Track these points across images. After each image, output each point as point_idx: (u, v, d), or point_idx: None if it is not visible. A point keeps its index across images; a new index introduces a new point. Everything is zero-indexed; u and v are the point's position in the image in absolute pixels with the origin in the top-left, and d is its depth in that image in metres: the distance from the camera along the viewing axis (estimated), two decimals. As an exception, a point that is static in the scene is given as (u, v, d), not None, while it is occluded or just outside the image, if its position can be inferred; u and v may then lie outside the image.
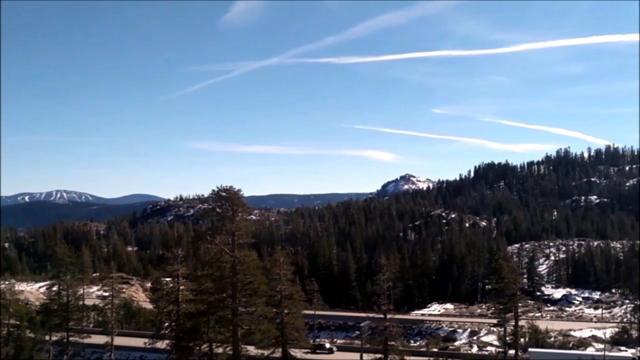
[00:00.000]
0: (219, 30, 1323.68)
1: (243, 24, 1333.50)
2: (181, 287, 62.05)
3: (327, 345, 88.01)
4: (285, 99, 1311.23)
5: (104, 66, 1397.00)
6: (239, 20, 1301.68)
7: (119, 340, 77.57)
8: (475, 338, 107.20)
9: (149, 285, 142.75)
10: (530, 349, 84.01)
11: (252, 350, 60.08)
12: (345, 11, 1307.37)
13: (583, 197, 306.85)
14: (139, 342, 74.36)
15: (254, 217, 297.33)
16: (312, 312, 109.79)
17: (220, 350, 57.90)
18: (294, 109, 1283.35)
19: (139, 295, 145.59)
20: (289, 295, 63.41)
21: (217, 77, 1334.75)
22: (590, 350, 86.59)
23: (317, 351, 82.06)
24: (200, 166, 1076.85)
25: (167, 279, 70.62)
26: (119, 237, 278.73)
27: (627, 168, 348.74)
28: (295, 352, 63.38)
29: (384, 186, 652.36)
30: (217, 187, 56.90)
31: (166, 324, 64.20)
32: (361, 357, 72.86)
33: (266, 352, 60.62)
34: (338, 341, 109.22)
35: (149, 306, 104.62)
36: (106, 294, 75.96)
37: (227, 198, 56.39)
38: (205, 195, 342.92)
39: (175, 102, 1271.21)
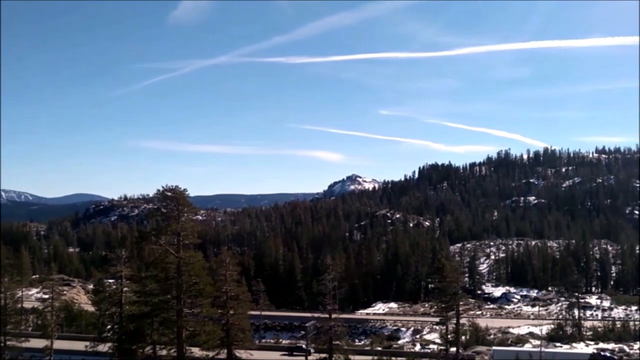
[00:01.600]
0: (166, 28, 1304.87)
1: (191, 22, 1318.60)
2: (124, 289, 61.14)
3: (304, 347, 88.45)
4: (233, 98, 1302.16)
5: (47, 62, 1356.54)
6: (186, 18, 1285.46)
7: (59, 344, 75.93)
8: (418, 336, 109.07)
9: (91, 287, 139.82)
10: (494, 347, 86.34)
11: (196, 351, 59.73)
12: (293, 11, 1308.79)
13: (522, 198, 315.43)
14: (80, 345, 72.80)
15: (200, 218, 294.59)
16: (258, 312, 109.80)
17: (164, 352, 57.22)
18: (242, 109, 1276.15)
19: (80, 297, 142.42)
20: (234, 296, 63.27)
21: (164, 74, 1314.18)
22: (527, 347, 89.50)
23: (295, 353, 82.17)
24: (145, 165, 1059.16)
25: (110, 281, 69.56)
26: (60, 238, 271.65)
27: (563, 170, 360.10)
28: (241, 353, 63.32)
29: (331, 186, 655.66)
30: (163, 187, 56.24)
31: (108, 327, 63.12)
32: (306, 357, 73.39)
33: (211, 354, 60.33)
34: (283, 341, 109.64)
35: (91, 308, 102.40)
36: (46, 296, 74.29)
37: (172, 198, 55.82)
38: (151, 195, 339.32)
39: (120, 99, 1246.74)
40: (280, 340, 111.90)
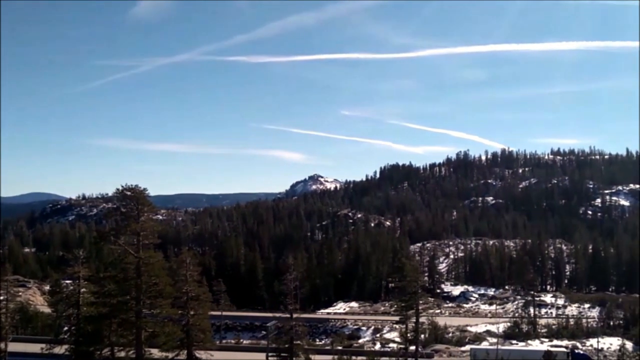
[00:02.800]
0: (126, 24, 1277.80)
1: (151, 19, 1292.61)
2: (82, 290, 60.14)
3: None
4: (194, 97, 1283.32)
5: (1, 58, 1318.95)
6: (147, 15, 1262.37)
7: (14, 347, 74.26)
8: (378, 335, 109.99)
9: (47, 288, 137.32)
10: (471, 346, 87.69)
11: (156, 352, 59.30)
12: (255, 10, 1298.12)
13: (480, 198, 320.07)
14: (35, 347, 71.38)
15: (161, 217, 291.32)
16: (219, 313, 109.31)
17: (122, 354, 56.71)
18: (203, 107, 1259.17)
19: (36, 298, 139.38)
20: (195, 297, 62.93)
21: (123, 72, 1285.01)
22: (484, 345, 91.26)
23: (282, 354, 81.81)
24: (104, 164, 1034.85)
25: (67, 282, 68.47)
26: (15, 238, 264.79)
27: (520, 171, 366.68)
28: (201, 354, 63.07)
29: (293, 186, 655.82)
30: (122, 186, 55.69)
31: (65, 329, 62.20)
32: (267, 357, 73.41)
33: (171, 355, 59.96)
34: (244, 342, 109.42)
35: (47, 310, 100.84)
36: (0, 297, 72.65)
37: (132, 197, 55.34)
38: (110, 194, 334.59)
39: (77, 96, 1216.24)
40: (241, 340, 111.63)
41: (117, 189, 56.14)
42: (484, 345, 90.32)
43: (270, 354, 67.13)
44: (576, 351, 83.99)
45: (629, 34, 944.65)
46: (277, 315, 69.33)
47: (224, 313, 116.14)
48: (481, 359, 75.92)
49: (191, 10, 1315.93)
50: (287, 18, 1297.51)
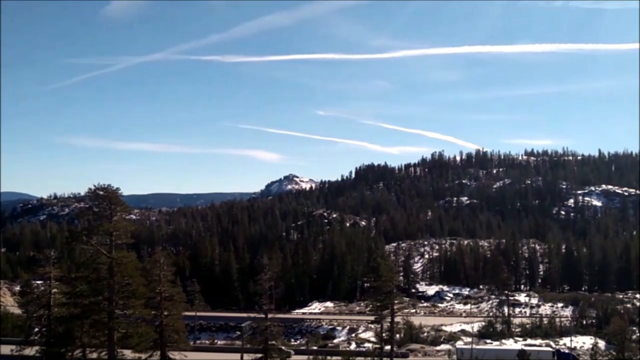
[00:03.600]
0: (99, 23, 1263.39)
1: (125, 17, 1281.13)
2: (53, 290, 59.47)
3: (285, 349, 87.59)
4: (168, 96, 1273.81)
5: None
6: (120, 13, 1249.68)
7: (-17, 348, 72.97)
8: (353, 335, 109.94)
9: (17, 288, 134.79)
10: (457, 345, 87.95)
11: (128, 354, 58.62)
12: (229, 10, 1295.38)
13: (455, 199, 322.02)
14: (5, 349, 70.29)
15: (134, 217, 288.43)
16: (193, 313, 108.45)
17: (94, 355, 56.11)
18: (177, 106, 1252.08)
19: (6, 299, 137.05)
20: (169, 297, 62.37)
21: (95, 70, 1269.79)
22: (459, 344, 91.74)
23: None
24: (76, 163, 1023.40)
25: (38, 282, 67.43)
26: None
27: (494, 171, 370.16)
28: (175, 355, 62.43)
29: (268, 186, 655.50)
30: (94, 185, 55.08)
31: (36, 330, 61.38)
32: (242, 357, 72.95)
33: (144, 356, 59.34)
34: (219, 342, 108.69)
35: (18, 311, 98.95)
36: (-31, 298, 71.27)
37: (104, 197, 54.71)
38: (82, 193, 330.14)
39: (49, 95, 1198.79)
40: (216, 341, 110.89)
41: (90, 189, 55.50)
42: (481, 345, 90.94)
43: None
44: (562, 351, 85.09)
45: (603, 36, 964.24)
46: (252, 315, 68.98)
47: (198, 313, 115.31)
48: (467, 358, 76.17)
49: (165, 9, 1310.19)
50: (262, 18, 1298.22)
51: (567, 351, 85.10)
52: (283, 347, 70.89)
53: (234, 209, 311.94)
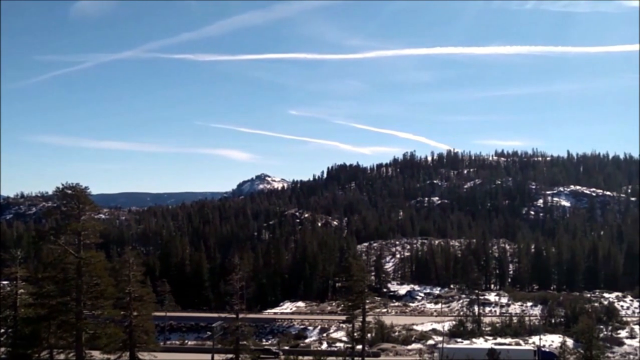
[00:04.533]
0: (69, 19, 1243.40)
1: (96, 14, 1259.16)
2: (20, 291, 58.50)
3: (274, 350, 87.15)
4: (139, 94, 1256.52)
5: None
6: (91, 10, 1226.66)
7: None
8: (325, 335, 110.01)
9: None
10: (441, 345, 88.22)
11: (97, 355, 57.90)
12: (202, 8, 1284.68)
13: (426, 199, 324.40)
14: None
15: (103, 216, 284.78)
16: (163, 313, 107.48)
17: (62, 356, 55.36)
18: (149, 105, 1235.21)
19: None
20: (138, 297, 61.72)
21: (65, 68, 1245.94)
22: (430, 343, 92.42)
23: (262, 356, 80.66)
24: (45, 161, 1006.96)
25: (4, 282, 66.26)
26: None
27: (465, 172, 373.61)
28: (144, 355, 61.73)
29: (240, 185, 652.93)
30: (63, 184, 54.46)
31: (2, 331, 60.13)
32: (212, 357, 72.47)
33: (113, 357, 58.71)
34: (189, 343, 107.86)
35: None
36: None
37: (73, 196, 54.06)
38: (50, 192, 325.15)
39: (17, 92, 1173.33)
40: (186, 341, 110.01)
41: (58, 187, 54.98)
42: (452, 344, 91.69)
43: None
44: (543, 349, 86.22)
45: (574, 39, 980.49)
46: (223, 315, 68.48)
47: (169, 314, 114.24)
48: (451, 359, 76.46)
49: (138, 7, 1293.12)
50: (235, 16, 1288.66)
51: (548, 350, 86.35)
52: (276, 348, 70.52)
53: (205, 209, 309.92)
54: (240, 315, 63.12)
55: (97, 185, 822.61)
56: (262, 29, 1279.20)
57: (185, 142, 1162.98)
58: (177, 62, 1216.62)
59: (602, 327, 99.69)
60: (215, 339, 76.29)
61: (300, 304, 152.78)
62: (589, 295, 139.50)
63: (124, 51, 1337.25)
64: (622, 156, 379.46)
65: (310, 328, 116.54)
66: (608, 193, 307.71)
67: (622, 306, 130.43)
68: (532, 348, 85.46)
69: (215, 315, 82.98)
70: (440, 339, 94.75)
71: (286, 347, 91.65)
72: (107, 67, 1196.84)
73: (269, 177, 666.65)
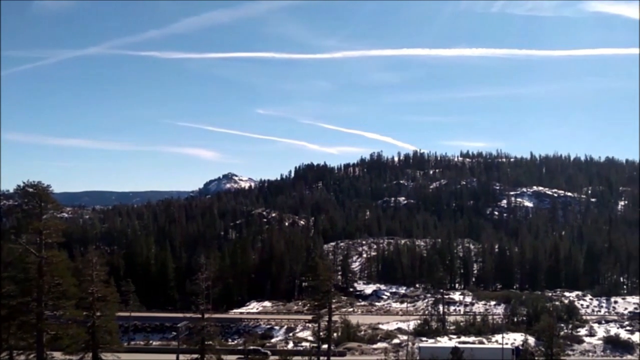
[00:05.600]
0: (31, 14, 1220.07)
1: (60, 9, 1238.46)
2: (-22, 291, 57.16)
3: (262, 350, 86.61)
4: (103, 91, 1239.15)
5: None
6: (55, 4, 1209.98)
7: None
8: (291, 334, 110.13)
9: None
10: (420, 344, 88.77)
11: (59, 356, 57.00)
12: (169, 5, 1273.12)
13: (393, 199, 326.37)
14: None
15: (66, 215, 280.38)
16: (127, 314, 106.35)
17: (22, 357, 54.39)
18: (113, 102, 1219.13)
19: None
20: (101, 297, 60.93)
21: (27, 64, 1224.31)
22: (395, 341, 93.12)
23: (251, 356, 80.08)
24: (5, 159, 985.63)
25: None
26: None
27: (431, 172, 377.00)
28: (107, 356, 60.97)
29: (206, 185, 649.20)
30: (24, 182, 53.61)
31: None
32: (177, 358, 71.94)
33: (75, 358, 57.88)
34: (154, 343, 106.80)
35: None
36: None
37: (34, 194, 53.26)
38: (10, 190, 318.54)
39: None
40: (151, 342, 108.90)
41: (19, 185, 54.24)
42: (430, 343, 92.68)
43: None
44: (520, 348, 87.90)
45: (538, 43, 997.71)
46: (188, 315, 67.99)
47: (133, 314, 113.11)
48: (429, 357, 77.01)
49: (102, 3, 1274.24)
50: (203, 14, 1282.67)
51: (521, 348, 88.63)
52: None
53: (171, 208, 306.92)
54: (206, 315, 62.81)
55: (60, 183, 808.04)
56: (230, 27, 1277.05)
57: (151, 140, 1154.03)
58: (143, 60, 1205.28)
59: (562, 325, 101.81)
60: (181, 339, 75.80)
61: (267, 303, 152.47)
62: (550, 294, 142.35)
63: (88, 47, 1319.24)
64: (582, 158, 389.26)
65: (277, 328, 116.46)
66: (569, 194, 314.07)
67: (582, 305, 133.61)
68: (510, 347, 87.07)
69: (181, 315, 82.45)
70: (405, 337, 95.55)
71: (252, 347, 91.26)
72: (70, 64, 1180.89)
73: (236, 176, 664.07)
